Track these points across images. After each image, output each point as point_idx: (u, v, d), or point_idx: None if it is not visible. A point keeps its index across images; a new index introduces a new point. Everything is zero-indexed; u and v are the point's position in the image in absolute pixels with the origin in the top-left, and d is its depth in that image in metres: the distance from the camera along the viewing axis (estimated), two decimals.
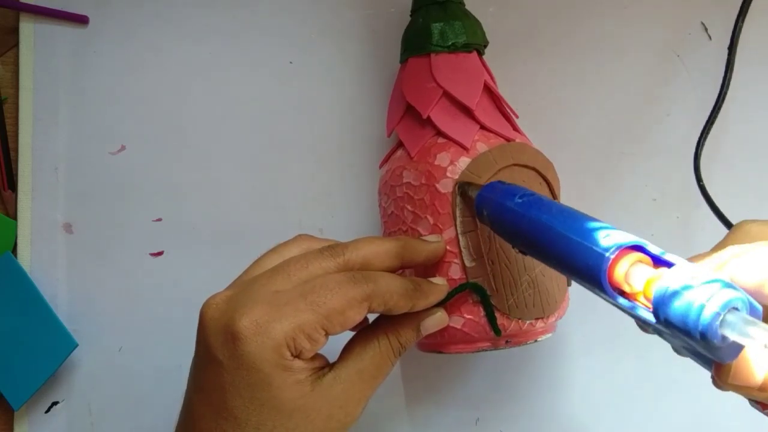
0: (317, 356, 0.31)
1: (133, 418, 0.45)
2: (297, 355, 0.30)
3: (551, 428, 0.46)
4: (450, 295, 0.35)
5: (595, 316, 0.45)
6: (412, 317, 0.34)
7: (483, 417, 0.46)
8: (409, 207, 0.38)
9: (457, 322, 0.36)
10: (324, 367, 0.32)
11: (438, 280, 0.35)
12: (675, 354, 0.29)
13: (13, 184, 0.46)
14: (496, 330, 0.36)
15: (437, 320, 0.35)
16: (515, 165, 0.37)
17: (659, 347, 0.31)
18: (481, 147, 0.37)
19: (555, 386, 0.46)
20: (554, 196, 0.39)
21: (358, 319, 0.31)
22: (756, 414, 0.27)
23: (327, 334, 0.30)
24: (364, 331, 0.34)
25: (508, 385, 0.46)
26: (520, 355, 0.45)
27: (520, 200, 0.30)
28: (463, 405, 0.46)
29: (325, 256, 0.32)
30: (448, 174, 0.36)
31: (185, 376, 0.46)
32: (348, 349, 0.33)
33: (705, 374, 0.26)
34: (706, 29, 0.48)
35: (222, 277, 0.46)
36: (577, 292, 0.45)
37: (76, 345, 0.44)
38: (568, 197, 0.43)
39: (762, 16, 0.47)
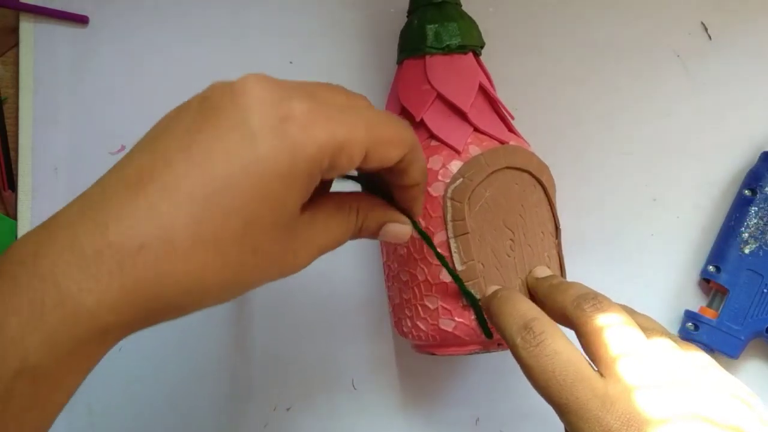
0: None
1: (133, 418, 0.45)
2: (329, 169, 0.26)
3: (551, 428, 0.46)
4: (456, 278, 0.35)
5: None
6: (385, 214, 0.32)
7: (483, 417, 0.46)
8: None
9: (448, 325, 0.36)
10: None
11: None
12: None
13: (13, 184, 0.46)
14: (488, 333, 0.36)
15: (400, 231, 0.32)
16: (508, 168, 0.37)
17: None
18: (474, 150, 0.37)
19: None
20: (549, 198, 0.38)
21: (392, 159, 0.28)
22: None
23: (361, 163, 0.27)
24: (338, 196, 0.31)
25: (508, 385, 0.46)
26: None
27: None
28: (463, 405, 0.46)
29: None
30: (440, 177, 0.36)
31: (185, 376, 0.46)
32: (321, 208, 0.29)
33: None
34: (706, 29, 0.48)
35: None
36: None
37: None
38: (568, 197, 0.43)
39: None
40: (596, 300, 0.30)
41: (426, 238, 0.35)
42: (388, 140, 0.28)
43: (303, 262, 0.29)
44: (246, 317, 0.46)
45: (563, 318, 0.30)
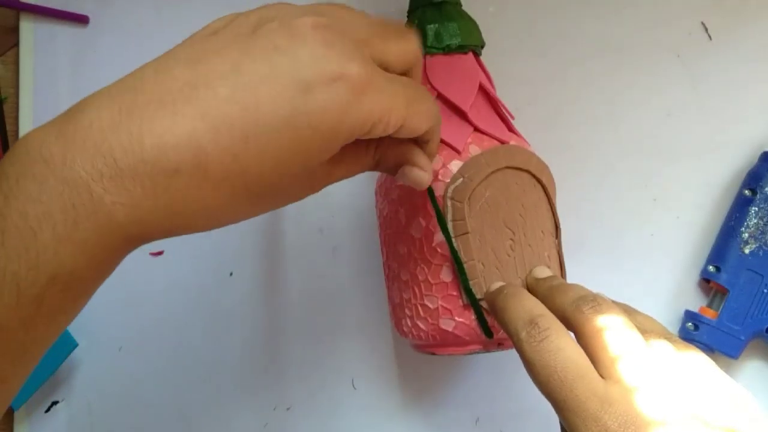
0: None
1: (133, 418, 0.45)
2: (361, 135, 0.27)
3: (551, 428, 0.46)
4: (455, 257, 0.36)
5: None
6: (406, 152, 0.32)
7: (483, 417, 0.46)
8: (402, 209, 0.38)
9: (448, 325, 0.36)
10: None
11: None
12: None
13: None
14: (488, 333, 0.36)
15: (419, 176, 0.32)
16: (508, 168, 0.37)
17: None
18: (474, 150, 0.37)
19: None
20: (549, 198, 0.38)
21: (421, 131, 0.30)
22: None
23: (393, 131, 0.28)
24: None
25: (508, 385, 0.46)
26: None
27: None
28: (463, 405, 0.46)
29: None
30: (440, 177, 0.36)
31: (185, 376, 0.46)
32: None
33: None
34: (706, 29, 0.48)
35: (222, 277, 0.46)
36: None
37: (76, 345, 0.44)
38: (567, 198, 0.43)
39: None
40: (596, 302, 0.30)
41: (432, 197, 0.36)
42: (422, 113, 0.29)
43: (315, 192, 0.30)
44: (246, 317, 0.46)
45: (563, 320, 0.30)
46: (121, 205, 0.23)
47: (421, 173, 0.32)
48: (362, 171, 0.32)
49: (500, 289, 0.33)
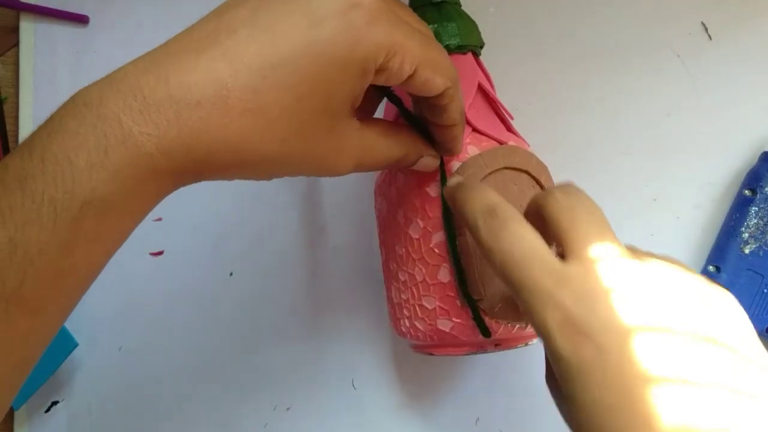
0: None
1: (133, 418, 0.45)
2: (377, 69, 0.28)
3: (551, 428, 0.46)
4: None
5: None
6: (423, 148, 0.34)
7: (483, 417, 0.46)
8: (401, 210, 0.38)
9: (445, 326, 0.36)
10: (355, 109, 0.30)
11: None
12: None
13: None
14: (485, 332, 0.36)
15: (428, 161, 0.34)
16: (506, 168, 0.36)
17: None
18: (473, 150, 0.37)
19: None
20: None
21: (437, 87, 0.30)
22: None
23: (406, 78, 0.29)
24: (391, 124, 0.33)
25: (508, 385, 0.46)
26: (521, 354, 0.45)
27: None
28: (463, 405, 0.46)
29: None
30: (437, 178, 0.36)
31: (185, 377, 0.46)
32: (375, 127, 0.31)
33: None
34: (706, 29, 0.48)
35: (222, 277, 0.46)
36: None
37: (76, 345, 0.44)
38: None
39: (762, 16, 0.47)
40: (570, 188, 0.29)
41: (443, 177, 0.36)
42: (437, 64, 0.29)
43: (344, 165, 0.30)
44: (246, 317, 0.46)
45: (536, 214, 0.29)
46: (148, 136, 0.24)
47: (429, 159, 0.34)
48: (389, 161, 0.32)
49: (460, 184, 0.32)
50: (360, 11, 0.26)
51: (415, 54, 0.28)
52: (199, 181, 0.27)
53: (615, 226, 0.46)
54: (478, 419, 0.46)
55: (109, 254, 0.26)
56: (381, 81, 0.29)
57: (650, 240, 0.46)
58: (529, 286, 0.26)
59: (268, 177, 0.28)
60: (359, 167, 0.31)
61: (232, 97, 0.25)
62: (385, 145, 0.32)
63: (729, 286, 0.43)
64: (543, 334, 0.25)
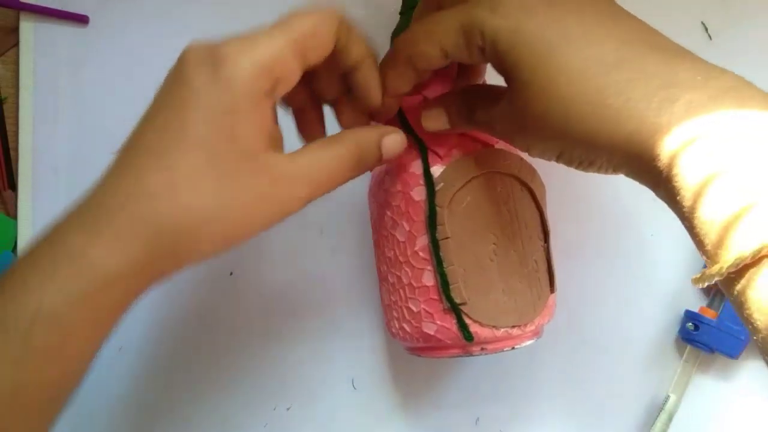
0: (278, 131, 0.31)
1: (133, 418, 0.45)
2: (272, 89, 0.29)
3: (551, 428, 0.46)
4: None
5: (594, 315, 0.45)
6: (375, 131, 0.33)
7: (483, 417, 0.46)
8: (388, 213, 0.37)
9: (430, 329, 0.36)
10: (281, 148, 0.31)
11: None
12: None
13: (13, 184, 0.46)
14: (468, 336, 0.35)
15: (394, 141, 0.33)
16: (492, 172, 0.36)
17: None
18: (457, 154, 0.36)
19: (555, 386, 0.46)
20: (537, 203, 0.37)
21: (327, 44, 0.30)
22: None
23: (302, 65, 0.30)
24: (326, 139, 0.33)
25: (508, 385, 0.46)
26: (520, 355, 0.45)
27: None
28: (463, 405, 0.46)
29: None
30: (421, 182, 0.36)
31: (185, 377, 0.46)
32: (307, 147, 0.32)
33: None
34: (706, 29, 0.48)
35: (222, 276, 0.46)
36: (570, 294, 0.45)
37: None
38: (567, 198, 0.43)
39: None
40: None
41: (428, 180, 0.36)
42: (313, 33, 0.29)
43: (301, 197, 0.30)
44: (246, 317, 0.46)
45: None
46: (92, 246, 0.27)
47: (392, 137, 0.33)
48: (344, 169, 0.32)
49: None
50: (223, 62, 0.28)
51: (287, 54, 0.29)
52: (166, 275, 0.29)
53: (615, 227, 0.46)
54: (478, 419, 0.46)
55: (73, 377, 0.29)
56: (283, 92, 0.30)
57: (650, 240, 0.46)
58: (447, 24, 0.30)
59: (232, 243, 0.29)
60: (315, 192, 0.31)
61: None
62: (329, 156, 0.31)
63: None
64: (485, 36, 0.29)
